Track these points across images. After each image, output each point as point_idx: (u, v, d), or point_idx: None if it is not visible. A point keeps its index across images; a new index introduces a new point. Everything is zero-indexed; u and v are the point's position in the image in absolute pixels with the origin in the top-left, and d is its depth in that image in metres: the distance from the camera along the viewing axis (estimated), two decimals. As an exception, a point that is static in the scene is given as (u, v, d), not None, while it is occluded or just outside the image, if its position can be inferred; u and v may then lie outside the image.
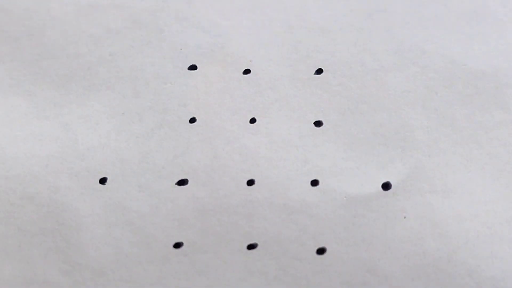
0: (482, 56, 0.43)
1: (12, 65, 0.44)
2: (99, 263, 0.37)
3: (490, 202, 0.39)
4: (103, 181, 0.40)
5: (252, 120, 0.42)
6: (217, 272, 0.37)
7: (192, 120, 0.42)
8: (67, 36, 0.45)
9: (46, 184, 0.40)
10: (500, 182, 0.39)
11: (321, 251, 0.38)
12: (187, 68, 0.44)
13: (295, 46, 0.44)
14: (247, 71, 0.44)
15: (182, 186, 0.40)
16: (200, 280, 0.37)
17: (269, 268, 0.37)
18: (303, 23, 0.44)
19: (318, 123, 0.42)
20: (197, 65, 0.44)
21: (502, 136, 0.41)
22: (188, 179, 0.40)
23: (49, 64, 0.44)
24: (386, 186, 0.39)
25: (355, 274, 0.37)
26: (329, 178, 0.40)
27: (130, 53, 0.45)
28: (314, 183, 0.40)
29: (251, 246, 0.38)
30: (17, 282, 0.37)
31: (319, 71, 0.43)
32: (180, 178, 0.40)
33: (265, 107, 0.42)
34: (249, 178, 0.40)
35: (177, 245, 0.38)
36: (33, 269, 0.37)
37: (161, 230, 0.39)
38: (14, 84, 0.44)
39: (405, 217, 0.38)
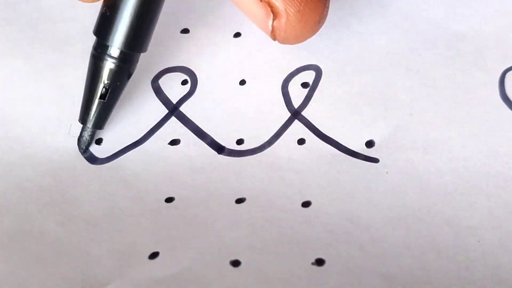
0: (463, 19, 0.44)
1: (10, 29, 0.45)
2: (93, 215, 0.39)
3: (469, 158, 0.40)
4: (99, 141, 0.42)
5: (242, 82, 0.43)
6: (206, 222, 0.38)
7: (184, 82, 0.43)
8: (64, 0, 0.46)
9: (44, 144, 0.41)
10: (478, 140, 0.40)
11: (306, 204, 0.39)
12: (179, 32, 0.45)
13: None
14: (237, 34, 0.45)
15: (174, 146, 0.41)
16: (190, 230, 0.38)
17: (256, 220, 0.38)
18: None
19: (305, 85, 0.43)
20: (189, 28, 0.45)
21: (481, 96, 0.42)
22: (180, 140, 0.41)
23: (47, 28, 0.45)
24: (369, 143, 0.41)
25: (338, 225, 0.38)
26: (315, 137, 0.41)
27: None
28: (301, 142, 0.41)
29: (240, 200, 0.39)
30: (15, 233, 0.38)
31: (307, 35, 0.44)
32: (173, 138, 0.42)
33: (254, 69, 0.43)
34: (238, 138, 0.41)
35: (169, 200, 0.39)
36: (31, 222, 0.38)
37: (153, 186, 0.40)
38: (13, 47, 0.44)
39: (387, 172, 0.39)
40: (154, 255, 0.37)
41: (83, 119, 0.41)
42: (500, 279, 0.36)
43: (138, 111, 0.43)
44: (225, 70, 0.43)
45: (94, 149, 0.41)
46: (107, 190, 0.40)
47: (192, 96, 0.43)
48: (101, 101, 0.40)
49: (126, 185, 0.40)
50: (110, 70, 0.40)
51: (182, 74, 0.43)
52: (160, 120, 0.42)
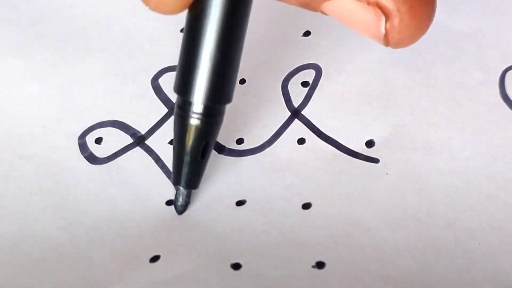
0: (464, 18, 0.44)
1: (10, 29, 0.45)
2: (94, 218, 0.38)
3: (469, 158, 0.40)
4: (98, 141, 0.41)
5: (242, 81, 0.43)
6: (208, 226, 0.38)
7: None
8: (63, 0, 0.46)
9: (44, 144, 0.41)
10: (479, 140, 0.40)
11: (306, 206, 0.39)
12: (179, 31, 0.45)
13: (284, 9, 0.44)
14: (236, 34, 0.44)
15: (174, 145, 0.41)
16: (191, 234, 0.38)
17: (257, 222, 0.38)
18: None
19: (305, 84, 0.43)
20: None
21: (482, 96, 0.42)
22: None
23: (46, 28, 0.45)
24: (370, 143, 0.41)
25: (339, 227, 0.38)
26: (315, 137, 0.41)
27: (124, 16, 0.45)
28: (301, 141, 0.41)
29: (240, 203, 0.39)
30: (15, 237, 0.38)
31: (307, 33, 0.44)
32: (173, 138, 0.41)
33: (255, 68, 0.43)
34: (239, 137, 0.41)
35: (169, 203, 0.39)
36: (31, 225, 0.38)
37: (154, 188, 0.40)
38: (12, 47, 0.44)
39: (387, 173, 0.39)
40: (155, 259, 0.37)
41: (176, 180, 0.38)
42: (500, 282, 0.36)
43: (137, 110, 0.42)
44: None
45: (94, 148, 0.41)
46: (108, 191, 0.40)
47: (192, 96, 0.43)
48: (199, 160, 0.38)
49: (127, 187, 0.40)
50: (196, 127, 0.37)
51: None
52: (160, 119, 0.42)
